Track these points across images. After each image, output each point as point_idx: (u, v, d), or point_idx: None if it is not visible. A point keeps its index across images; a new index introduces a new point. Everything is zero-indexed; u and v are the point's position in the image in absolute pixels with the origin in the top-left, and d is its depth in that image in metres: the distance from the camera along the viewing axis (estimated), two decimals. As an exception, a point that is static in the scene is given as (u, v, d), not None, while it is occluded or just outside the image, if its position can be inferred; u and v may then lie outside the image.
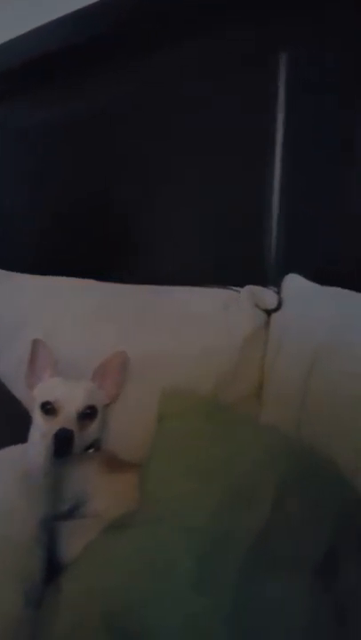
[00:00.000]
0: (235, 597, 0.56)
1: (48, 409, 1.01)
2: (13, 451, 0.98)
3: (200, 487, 0.67)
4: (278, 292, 1.13)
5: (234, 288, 1.18)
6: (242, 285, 1.18)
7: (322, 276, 1.11)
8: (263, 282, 1.19)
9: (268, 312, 1.12)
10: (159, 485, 0.71)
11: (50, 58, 1.49)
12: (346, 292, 1.02)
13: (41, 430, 1.01)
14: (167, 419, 0.79)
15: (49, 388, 1.05)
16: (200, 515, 0.63)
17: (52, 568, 0.75)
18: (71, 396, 1.02)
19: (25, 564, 0.72)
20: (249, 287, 1.15)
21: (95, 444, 1.05)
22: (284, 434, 0.79)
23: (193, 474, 0.68)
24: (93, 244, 1.55)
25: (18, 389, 1.15)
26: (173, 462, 0.72)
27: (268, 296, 1.12)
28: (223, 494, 0.65)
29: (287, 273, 1.15)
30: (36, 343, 1.09)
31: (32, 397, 1.06)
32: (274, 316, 1.11)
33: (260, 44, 1.21)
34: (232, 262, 1.30)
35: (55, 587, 0.67)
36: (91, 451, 1.04)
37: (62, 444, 0.95)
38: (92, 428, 1.03)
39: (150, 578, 0.60)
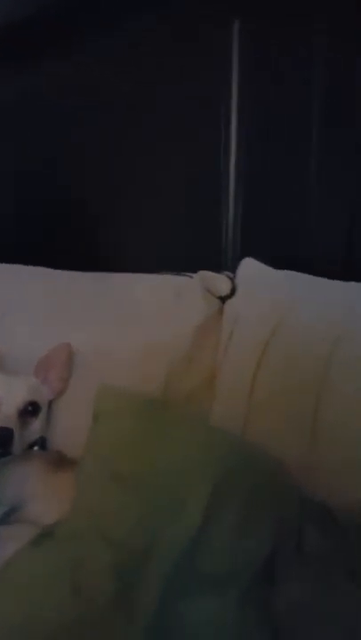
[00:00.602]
0: (154, 617, 0.51)
1: (-14, 407, 0.95)
2: None
3: (125, 495, 0.61)
4: (233, 278, 1.07)
5: (187, 274, 1.12)
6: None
7: (279, 260, 1.06)
8: (221, 267, 1.14)
9: (223, 299, 1.06)
10: (85, 492, 0.66)
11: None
12: (299, 275, 0.97)
13: (-22, 430, 0.94)
14: (101, 418, 0.73)
15: (-13, 384, 0.98)
16: (123, 527, 0.58)
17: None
18: (11, 392, 0.96)
19: None
20: (201, 273, 1.09)
21: (40, 443, 0.99)
22: (222, 432, 0.74)
23: (119, 480, 0.63)
24: (47, 230, 1.48)
25: None
26: (102, 467, 0.67)
27: (221, 282, 1.06)
28: (149, 503, 0.60)
29: (244, 257, 1.09)
30: (-28, 337, 1.03)
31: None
32: (228, 302, 1.05)
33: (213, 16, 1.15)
34: (191, 248, 1.25)
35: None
36: (35, 449, 0.98)
37: (0, 445, 0.89)
38: (35, 426, 0.98)
39: (70, 597, 0.55)
